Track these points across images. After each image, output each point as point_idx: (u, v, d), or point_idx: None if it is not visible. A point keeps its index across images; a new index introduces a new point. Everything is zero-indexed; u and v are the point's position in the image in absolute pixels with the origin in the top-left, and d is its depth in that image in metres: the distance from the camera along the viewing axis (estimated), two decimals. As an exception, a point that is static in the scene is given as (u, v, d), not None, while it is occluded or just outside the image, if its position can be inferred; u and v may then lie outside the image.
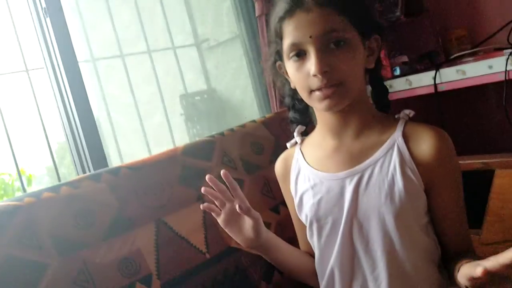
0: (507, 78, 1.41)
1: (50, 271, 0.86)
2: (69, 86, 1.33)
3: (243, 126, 1.29)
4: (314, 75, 0.77)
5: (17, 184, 1.39)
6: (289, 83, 0.89)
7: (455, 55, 1.74)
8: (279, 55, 0.86)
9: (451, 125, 1.75)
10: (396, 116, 0.87)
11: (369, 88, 0.92)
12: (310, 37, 0.77)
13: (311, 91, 0.80)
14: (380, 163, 0.81)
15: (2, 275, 0.81)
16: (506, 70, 1.40)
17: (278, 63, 0.88)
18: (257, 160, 1.23)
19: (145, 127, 1.75)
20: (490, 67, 1.45)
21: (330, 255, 0.86)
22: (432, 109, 1.64)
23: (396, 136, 0.82)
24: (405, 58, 1.76)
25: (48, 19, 1.31)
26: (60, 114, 1.40)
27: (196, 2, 1.93)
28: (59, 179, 1.41)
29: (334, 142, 0.88)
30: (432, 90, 1.57)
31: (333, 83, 0.78)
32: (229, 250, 1.08)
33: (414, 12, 1.81)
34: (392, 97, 1.62)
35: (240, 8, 1.80)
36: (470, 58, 1.66)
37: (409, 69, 1.74)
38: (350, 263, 0.84)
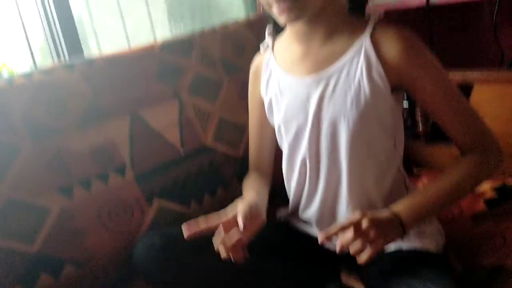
0: (500, -6, 1.36)
1: (23, 154, 0.87)
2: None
3: (225, 26, 1.26)
4: None
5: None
6: None
7: (453, -33, 1.67)
8: None
9: (440, 40, 1.73)
10: (366, 17, 0.84)
11: None
12: None
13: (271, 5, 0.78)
14: (347, 69, 0.80)
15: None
16: (501, -15, 1.36)
17: None
18: (238, 61, 1.21)
19: (127, 24, 1.68)
20: (486, -19, 1.40)
21: (296, 160, 0.88)
22: (423, 23, 1.60)
23: (364, 39, 0.80)
24: (401, -32, 1.68)
25: None
26: (38, 9, 1.35)
27: None
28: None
29: (301, 48, 0.85)
30: (423, 2, 1.53)
31: None
32: (203, 148, 1.10)
33: None
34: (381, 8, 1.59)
35: None
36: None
37: (403, -20, 1.67)
38: (316, 169, 0.86)
